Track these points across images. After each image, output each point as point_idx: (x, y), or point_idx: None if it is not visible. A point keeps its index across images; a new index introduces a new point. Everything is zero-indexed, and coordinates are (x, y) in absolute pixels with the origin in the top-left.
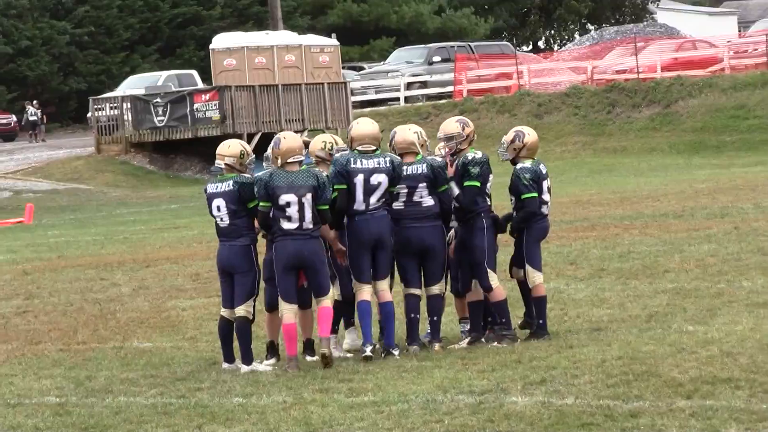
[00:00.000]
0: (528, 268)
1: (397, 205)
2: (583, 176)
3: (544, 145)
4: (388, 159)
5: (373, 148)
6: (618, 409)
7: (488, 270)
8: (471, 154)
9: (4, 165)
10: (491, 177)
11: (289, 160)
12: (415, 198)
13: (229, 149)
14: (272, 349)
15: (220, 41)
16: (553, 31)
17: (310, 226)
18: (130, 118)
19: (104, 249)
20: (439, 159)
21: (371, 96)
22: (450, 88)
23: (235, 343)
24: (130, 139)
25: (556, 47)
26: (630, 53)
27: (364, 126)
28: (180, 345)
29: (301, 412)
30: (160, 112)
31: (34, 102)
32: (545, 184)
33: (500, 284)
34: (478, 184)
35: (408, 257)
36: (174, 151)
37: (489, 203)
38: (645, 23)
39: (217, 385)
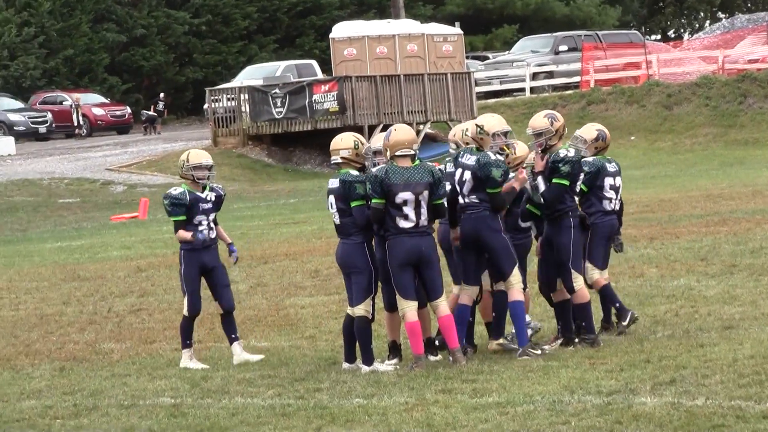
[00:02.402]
0: (587, 264)
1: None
2: (713, 169)
3: (673, 137)
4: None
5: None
6: (750, 410)
7: (572, 270)
8: (563, 151)
9: (119, 158)
10: (582, 176)
11: (397, 153)
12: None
13: (342, 142)
14: (394, 349)
15: (341, 30)
16: (683, 20)
17: (426, 223)
18: (247, 110)
19: (221, 245)
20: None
21: (495, 86)
22: (577, 78)
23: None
24: (248, 131)
25: (686, 36)
26: (762, 42)
27: (402, 132)
28: (298, 344)
29: (424, 413)
30: (279, 104)
31: (161, 95)
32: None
33: (584, 287)
34: (566, 182)
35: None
36: (293, 144)
37: (576, 202)
38: None
39: (337, 386)
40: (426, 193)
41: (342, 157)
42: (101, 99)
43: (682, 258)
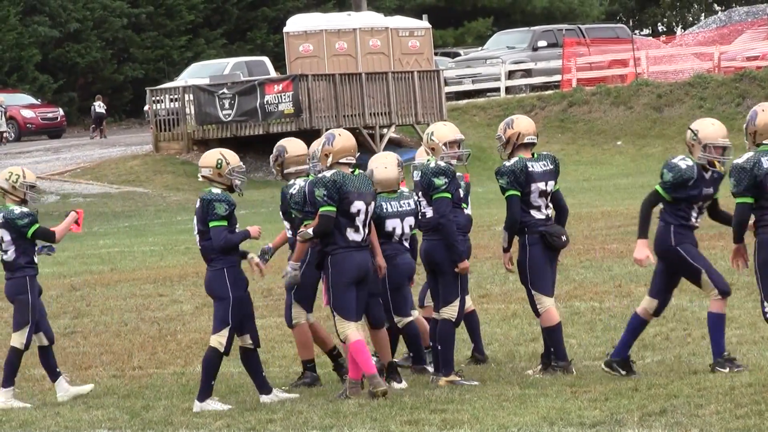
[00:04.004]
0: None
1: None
2: None
3: (664, 142)
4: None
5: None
6: None
7: (534, 292)
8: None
9: (50, 165)
10: (535, 186)
11: (342, 161)
12: (422, 209)
13: (206, 159)
14: (391, 370)
15: (296, 24)
16: (675, 13)
17: (367, 238)
18: (192, 112)
19: (163, 261)
20: (433, 163)
21: (467, 86)
22: (557, 77)
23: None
24: (193, 135)
25: (678, 31)
26: (762, 37)
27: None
28: None
29: None
30: (227, 105)
31: (97, 96)
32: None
33: (552, 309)
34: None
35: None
36: (243, 150)
37: (539, 216)
38: None
39: (292, 417)
40: (373, 204)
41: (203, 176)
42: (31, 100)
43: None
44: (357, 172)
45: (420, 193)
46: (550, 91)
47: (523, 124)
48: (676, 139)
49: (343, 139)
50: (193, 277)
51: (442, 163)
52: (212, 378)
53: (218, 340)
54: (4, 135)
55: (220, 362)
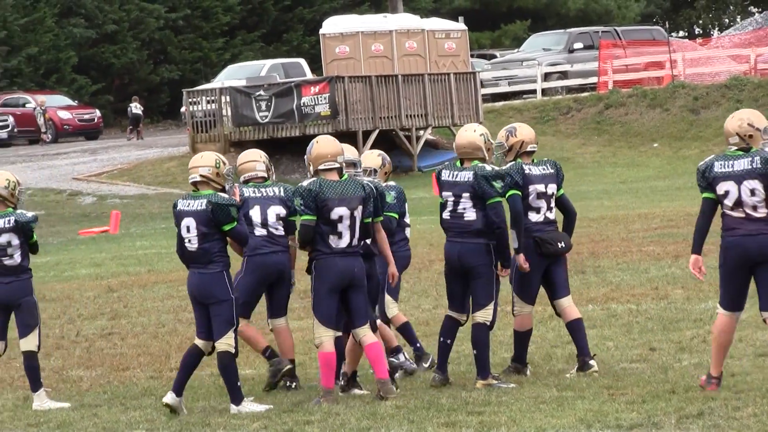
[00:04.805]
0: (387, 298)
1: (444, 215)
2: None
3: (700, 144)
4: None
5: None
6: None
7: (515, 296)
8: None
9: (87, 167)
10: (533, 188)
11: (321, 167)
12: (459, 210)
13: (203, 159)
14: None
15: (332, 26)
16: (711, 15)
17: (356, 243)
18: (229, 114)
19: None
20: (489, 167)
21: (504, 88)
22: (593, 79)
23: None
24: (230, 137)
25: (714, 33)
26: None
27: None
28: None
29: None
30: (264, 107)
31: (134, 97)
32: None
33: (525, 315)
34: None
35: (450, 276)
36: (279, 151)
37: (536, 219)
38: None
39: (329, 418)
40: (360, 209)
41: (201, 176)
42: (68, 101)
43: (710, 278)
44: (345, 176)
45: (468, 195)
46: (586, 93)
47: (525, 132)
48: (713, 141)
49: (320, 145)
50: None
51: (497, 167)
52: (236, 380)
53: (227, 342)
54: (43, 137)
55: (235, 364)
